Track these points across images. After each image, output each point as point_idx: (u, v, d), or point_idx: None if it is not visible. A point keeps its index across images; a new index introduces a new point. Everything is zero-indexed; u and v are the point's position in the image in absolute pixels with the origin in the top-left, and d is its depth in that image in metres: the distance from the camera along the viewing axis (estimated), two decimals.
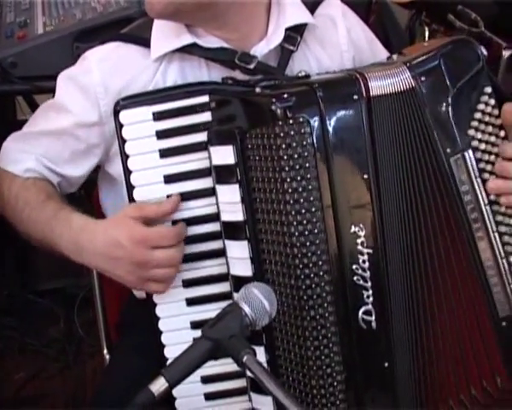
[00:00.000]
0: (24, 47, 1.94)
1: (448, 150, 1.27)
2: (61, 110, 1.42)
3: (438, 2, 2.93)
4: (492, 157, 1.28)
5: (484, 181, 1.28)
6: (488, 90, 1.27)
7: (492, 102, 1.27)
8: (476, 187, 1.28)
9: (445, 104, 1.27)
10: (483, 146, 1.28)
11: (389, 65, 1.29)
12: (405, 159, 1.26)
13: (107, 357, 1.74)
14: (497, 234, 1.29)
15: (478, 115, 1.27)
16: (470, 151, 1.27)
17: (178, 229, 1.29)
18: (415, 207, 1.27)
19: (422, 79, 1.26)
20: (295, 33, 1.39)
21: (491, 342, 1.31)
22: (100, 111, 1.38)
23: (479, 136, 1.27)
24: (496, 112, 1.27)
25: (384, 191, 1.25)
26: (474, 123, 1.27)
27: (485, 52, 1.28)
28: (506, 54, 2.17)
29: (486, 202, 1.28)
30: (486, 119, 1.28)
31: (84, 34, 1.92)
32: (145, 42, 1.39)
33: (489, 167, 1.28)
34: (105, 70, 1.38)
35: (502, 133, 1.28)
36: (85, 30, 1.94)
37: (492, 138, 1.28)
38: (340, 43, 1.48)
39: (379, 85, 1.24)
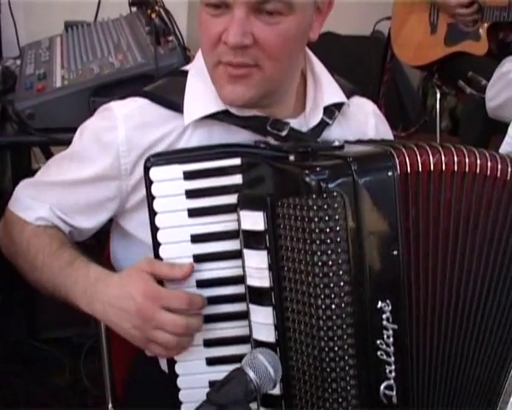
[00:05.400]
0: (42, 99, 1.97)
1: None
2: (79, 162, 1.41)
3: (449, 67, 2.96)
4: None
5: None
6: None
7: None
8: None
9: None
10: None
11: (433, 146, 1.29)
12: (434, 237, 1.26)
13: None
14: None
15: None
16: None
17: (194, 297, 1.28)
18: (443, 286, 1.27)
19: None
20: (334, 108, 1.41)
21: None
22: (120, 168, 1.38)
23: None
24: None
25: (413, 268, 1.24)
26: None
27: None
28: None
29: None
30: None
31: (101, 89, 1.95)
32: (175, 106, 1.38)
33: None
34: (131, 128, 1.37)
35: None
36: (102, 85, 1.96)
37: None
38: (369, 134, 1.50)
39: (417, 161, 1.24)
